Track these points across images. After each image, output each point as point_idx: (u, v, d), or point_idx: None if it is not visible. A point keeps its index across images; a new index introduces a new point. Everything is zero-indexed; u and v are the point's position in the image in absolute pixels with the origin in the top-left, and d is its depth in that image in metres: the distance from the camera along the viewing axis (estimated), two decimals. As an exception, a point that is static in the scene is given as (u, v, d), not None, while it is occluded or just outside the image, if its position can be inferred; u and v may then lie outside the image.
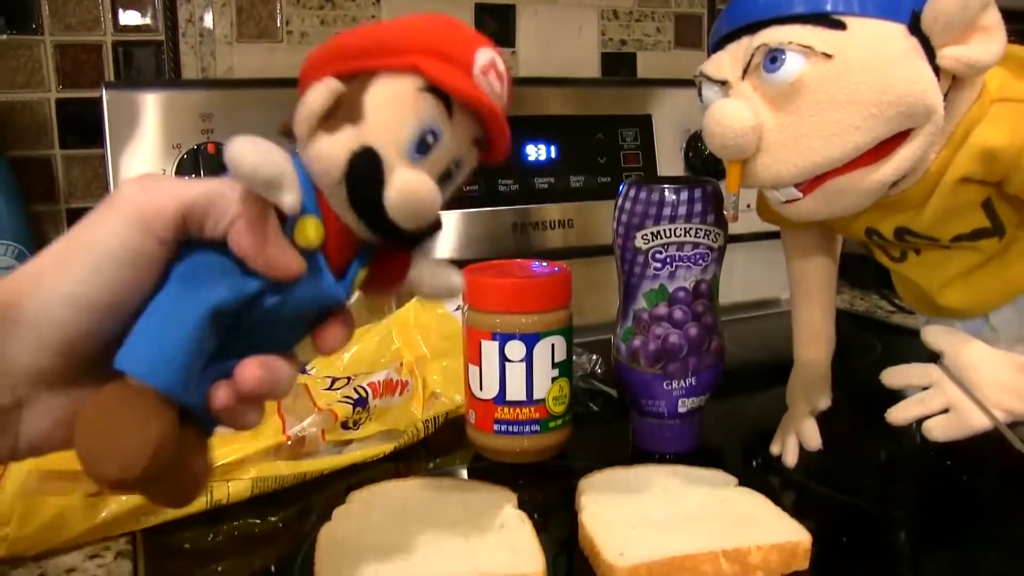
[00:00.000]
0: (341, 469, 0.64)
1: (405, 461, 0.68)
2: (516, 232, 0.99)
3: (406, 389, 0.73)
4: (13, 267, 0.83)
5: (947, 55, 0.48)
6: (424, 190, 0.38)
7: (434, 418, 0.71)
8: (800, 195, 0.52)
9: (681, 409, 0.67)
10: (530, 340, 0.63)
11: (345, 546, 0.51)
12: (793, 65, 0.48)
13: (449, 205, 0.95)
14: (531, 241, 1.00)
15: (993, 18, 0.48)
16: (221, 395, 0.38)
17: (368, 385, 0.69)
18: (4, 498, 0.53)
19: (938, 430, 0.54)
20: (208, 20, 0.98)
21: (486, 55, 0.40)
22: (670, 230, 0.63)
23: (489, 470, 0.65)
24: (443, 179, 0.41)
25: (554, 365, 0.65)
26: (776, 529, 0.52)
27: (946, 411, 0.54)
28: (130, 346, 0.35)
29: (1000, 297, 0.58)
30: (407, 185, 0.38)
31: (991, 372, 0.53)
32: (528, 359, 0.64)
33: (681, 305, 0.64)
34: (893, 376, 0.57)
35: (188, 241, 0.36)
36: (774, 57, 0.49)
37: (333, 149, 0.38)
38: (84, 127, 0.94)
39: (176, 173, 0.85)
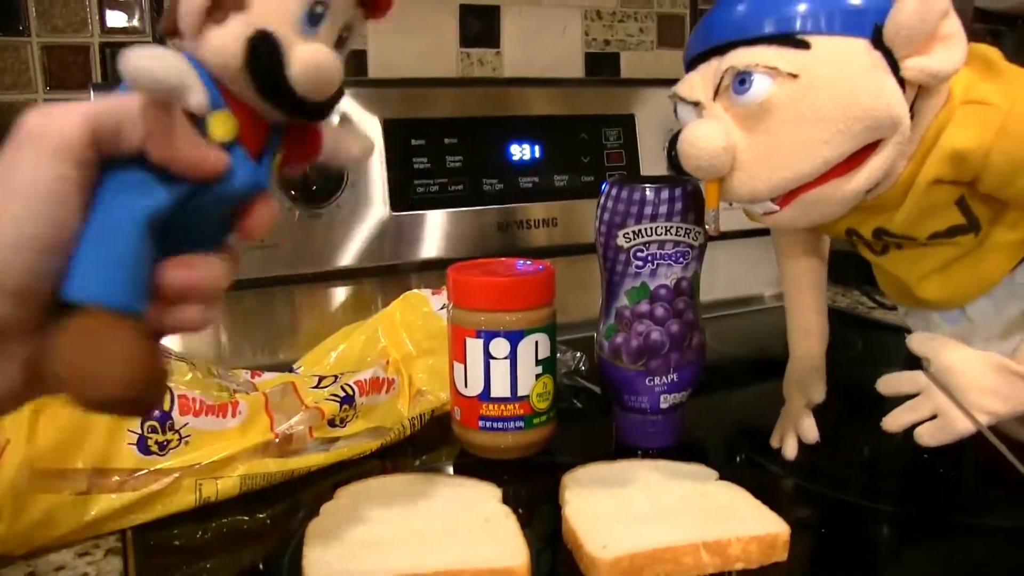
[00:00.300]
0: (328, 466, 0.65)
1: (392, 458, 0.68)
2: (501, 231, 0.99)
3: (392, 387, 0.73)
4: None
5: (910, 67, 0.49)
6: (326, 61, 0.39)
7: (420, 415, 0.72)
8: (777, 208, 0.53)
9: (663, 405, 0.68)
10: (514, 337, 0.64)
11: (332, 540, 0.51)
12: (760, 86, 0.50)
13: (434, 204, 0.96)
14: (516, 240, 1.01)
15: (953, 26, 0.48)
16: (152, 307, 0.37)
17: (355, 383, 0.70)
18: (-5, 496, 0.53)
19: (927, 436, 0.55)
20: (194, 21, 0.98)
21: None
22: (651, 228, 0.64)
23: (474, 466, 0.66)
24: (338, 45, 0.42)
25: (538, 362, 0.66)
26: (756, 521, 0.53)
27: (935, 417, 0.55)
28: (77, 275, 0.34)
29: (976, 289, 0.60)
30: (309, 59, 0.39)
31: (972, 375, 0.54)
32: (512, 356, 0.65)
33: (662, 302, 0.65)
34: (886, 385, 0.59)
35: (110, 161, 0.36)
36: (742, 79, 0.50)
37: (227, 40, 0.38)
38: (71, 129, 0.94)
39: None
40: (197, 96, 0.36)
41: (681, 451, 0.68)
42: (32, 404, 0.55)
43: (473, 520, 0.54)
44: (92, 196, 0.35)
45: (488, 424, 0.66)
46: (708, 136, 0.51)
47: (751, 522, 0.53)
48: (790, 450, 0.66)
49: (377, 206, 0.93)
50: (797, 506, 0.56)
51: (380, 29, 1.06)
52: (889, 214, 0.55)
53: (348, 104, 0.93)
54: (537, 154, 1.02)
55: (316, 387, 0.71)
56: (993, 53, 0.53)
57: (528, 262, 0.70)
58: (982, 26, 1.32)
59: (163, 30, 0.40)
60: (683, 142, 0.52)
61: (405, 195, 0.95)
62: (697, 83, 0.54)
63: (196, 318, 0.39)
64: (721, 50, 0.52)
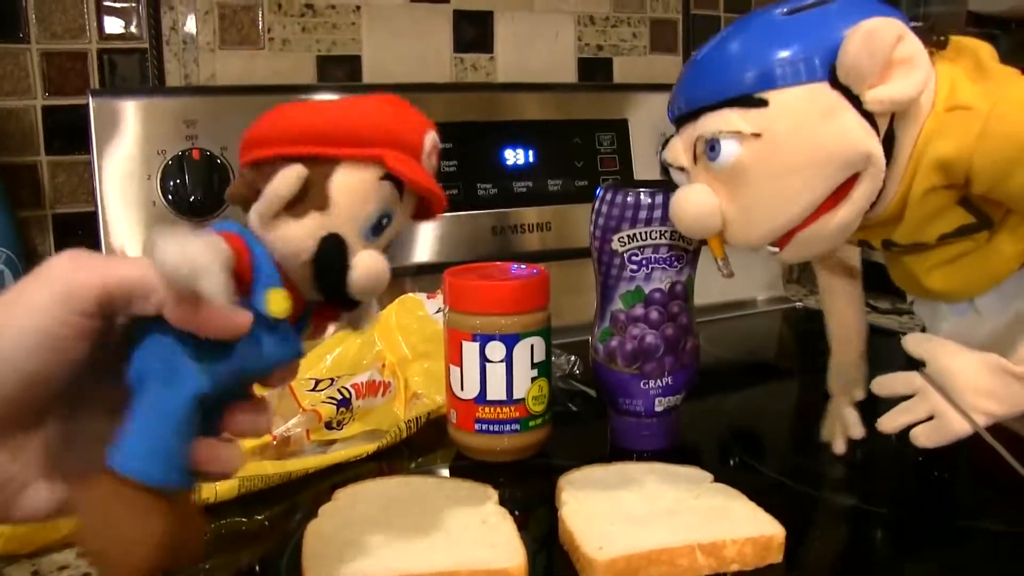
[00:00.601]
0: (326, 468, 0.65)
1: (388, 460, 0.69)
2: (495, 235, 1.00)
3: (388, 390, 0.74)
4: (2, 272, 0.84)
5: (871, 99, 0.49)
6: (383, 269, 0.43)
7: (416, 418, 0.72)
8: (777, 250, 0.55)
9: (658, 408, 0.68)
10: (510, 341, 0.65)
11: (331, 542, 0.52)
12: (729, 150, 0.51)
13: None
14: (510, 244, 1.01)
15: (909, 49, 0.49)
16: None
17: (351, 386, 0.70)
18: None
19: (924, 437, 0.55)
20: (191, 27, 0.99)
21: (431, 139, 0.44)
22: (646, 233, 0.65)
23: (470, 468, 0.67)
24: (386, 248, 0.44)
25: (533, 365, 0.66)
26: (751, 523, 0.53)
27: (931, 418, 0.55)
28: (121, 446, 0.36)
29: (984, 283, 0.58)
30: (370, 268, 0.42)
31: (969, 377, 0.54)
32: (508, 360, 0.65)
33: (657, 306, 0.66)
34: (881, 386, 0.59)
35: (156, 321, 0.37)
36: (711, 145, 0.52)
37: (301, 235, 0.40)
38: (69, 133, 0.95)
39: (161, 178, 0.86)
40: (207, 284, 0.36)
41: (676, 454, 0.69)
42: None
43: (470, 521, 0.55)
44: (101, 344, 0.37)
45: (484, 427, 0.66)
46: (694, 201, 0.54)
47: (746, 524, 0.53)
48: (839, 445, 0.67)
49: (373, 211, 0.94)
50: (792, 508, 0.57)
51: (374, 34, 1.07)
52: (893, 227, 0.56)
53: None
54: (531, 159, 1.03)
55: (313, 390, 0.71)
56: (984, 50, 0.53)
57: (523, 266, 0.70)
58: (976, 30, 1.33)
59: (232, 197, 0.42)
60: (673, 207, 0.56)
61: (400, 200, 0.95)
62: (679, 150, 0.55)
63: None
64: (693, 115, 0.54)
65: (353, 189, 0.41)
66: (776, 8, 0.53)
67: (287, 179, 0.40)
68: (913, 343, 0.58)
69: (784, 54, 0.50)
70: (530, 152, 1.03)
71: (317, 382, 0.72)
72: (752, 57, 0.51)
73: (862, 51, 0.48)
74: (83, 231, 0.95)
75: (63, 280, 0.36)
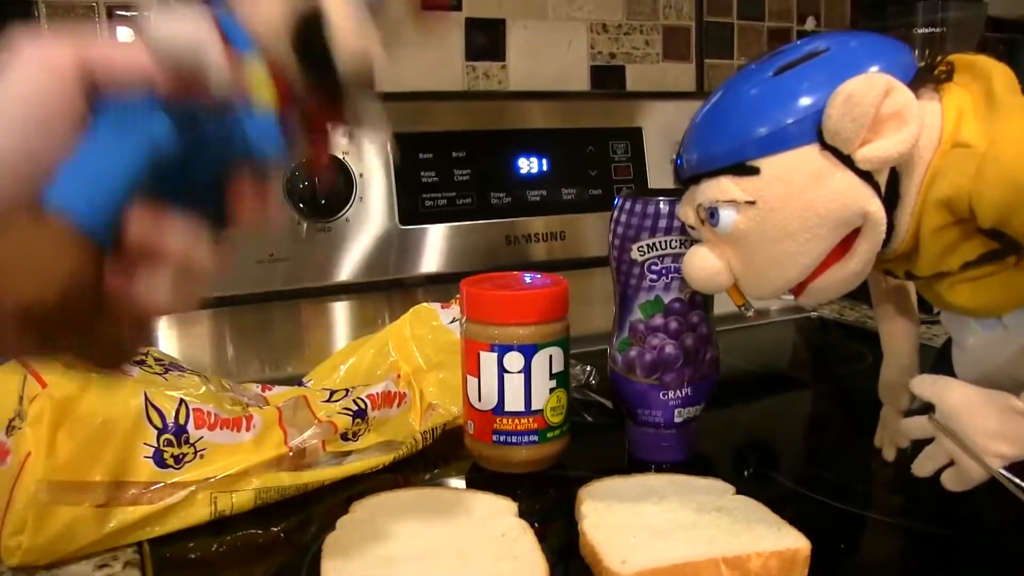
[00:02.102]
0: (341, 480, 0.65)
1: (404, 471, 0.68)
2: (508, 244, 1.00)
3: (404, 401, 0.73)
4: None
5: (862, 159, 0.49)
6: (371, 34, 0.39)
7: (432, 429, 0.72)
8: (793, 297, 0.56)
9: (677, 419, 0.68)
10: (528, 351, 0.64)
11: (350, 555, 0.51)
12: (727, 217, 0.52)
13: (442, 218, 0.96)
14: (523, 253, 1.01)
15: (898, 102, 0.48)
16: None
17: (367, 397, 0.70)
18: (17, 508, 0.53)
19: (950, 483, 0.54)
20: (202, 35, 0.99)
21: None
22: (665, 242, 0.64)
23: (487, 480, 0.66)
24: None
25: (552, 376, 0.65)
26: (775, 536, 0.52)
27: (951, 462, 0.54)
28: (58, 182, 0.33)
29: (1010, 304, 0.56)
30: (354, 28, 0.38)
31: (978, 419, 0.53)
32: (526, 370, 0.65)
33: (676, 316, 0.65)
34: (902, 432, 0.60)
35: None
36: (711, 213, 0.53)
37: (273, 9, 0.37)
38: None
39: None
40: (209, 58, 0.34)
41: (694, 465, 0.68)
42: (52, 417, 0.55)
43: (490, 535, 0.54)
44: (87, 116, 0.34)
45: (502, 438, 0.66)
46: (699, 265, 0.56)
47: (770, 537, 0.52)
48: (888, 454, 0.67)
49: (385, 220, 0.93)
50: (814, 520, 0.56)
51: (386, 42, 1.06)
52: (910, 262, 0.55)
53: (357, 117, 0.93)
54: (544, 167, 1.02)
55: (328, 401, 0.71)
56: (999, 76, 0.51)
57: (540, 275, 0.70)
58: (995, 35, 1.33)
59: None
60: (684, 268, 0.57)
61: (413, 208, 0.95)
62: (689, 213, 0.57)
63: (158, 294, 0.35)
64: (695, 178, 0.55)
65: None
66: (767, 65, 0.53)
67: None
68: (920, 386, 0.56)
69: (773, 122, 0.50)
70: (543, 161, 1.02)
71: (332, 393, 0.72)
72: (743, 126, 0.52)
73: (843, 116, 0.47)
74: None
75: (40, 56, 0.33)
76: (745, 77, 0.54)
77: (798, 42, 0.54)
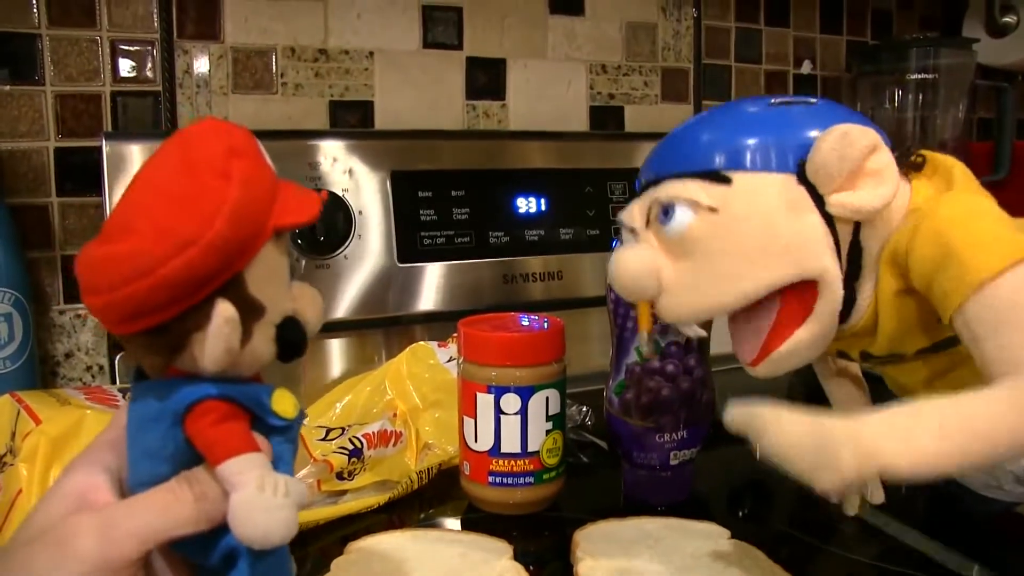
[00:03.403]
0: (336, 520, 0.64)
1: (399, 511, 0.68)
2: (506, 283, 1.00)
3: (400, 440, 0.73)
4: (10, 314, 0.84)
5: (834, 203, 0.49)
6: (319, 298, 0.41)
7: (428, 469, 0.71)
8: (750, 364, 0.53)
9: (673, 462, 0.68)
10: (525, 393, 0.64)
11: (345, 599, 0.51)
12: (682, 218, 0.50)
13: (440, 256, 0.97)
14: (520, 293, 1.01)
15: (881, 161, 0.49)
16: None
17: (363, 436, 0.70)
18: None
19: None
20: (205, 71, 0.99)
21: (258, 150, 0.38)
22: (662, 285, 0.65)
23: (483, 521, 0.66)
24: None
25: (548, 418, 0.66)
26: (769, 583, 0.53)
27: None
28: None
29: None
30: (317, 312, 0.41)
31: (797, 459, 0.46)
32: (523, 412, 0.65)
33: (673, 359, 0.66)
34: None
35: None
36: (666, 210, 0.51)
37: (260, 349, 0.38)
38: (81, 175, 0.94)
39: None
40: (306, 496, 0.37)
41: (690, 507, 0.68)
42: (46, 454, 0.55)
43: (485, 578, 0.54)
44: None
45: (498, 480, 0.66)
46: (633, 261, 0.52)
47: (765, 583, 0.52)
48: (851, 508, 0.66)
49: (383, 257, 0.94)
50: (807, 564, 0.56)
51: (387, 80, 1.08)
52: (869, 339, 0.55)
53: (356, 156, 0.94)
54: (543, 207, 1.03)
55: (324, 439, 0.71)
56: (958, 170, 0.52)
57: (537, 316, 0.70)
58: (985, 83, 1.35)
59: (151, 372, 0.38)
60: (611, 264, 0.53)
61: (412, 246, 0.95)
62: (635, 211, 0.54)
63: None
64: (656, 183, 0.53)
65: (271, 274, 0.38)
66: (758, 100, 0.53)
67: (228, 334, 0.35)
68: (738, 421, 0.51)
69: (756, 140, 0.50)
70: (542, 200, 1.03)
71: (328, 431, 0.72)
72: (724, 138, 0.51)
73: (834, 151, 0.47)
74: (92, 273, 0.95)
75: (99, 557, 0.34)
76: (736, 104, 0.54)
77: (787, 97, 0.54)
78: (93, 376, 0.97)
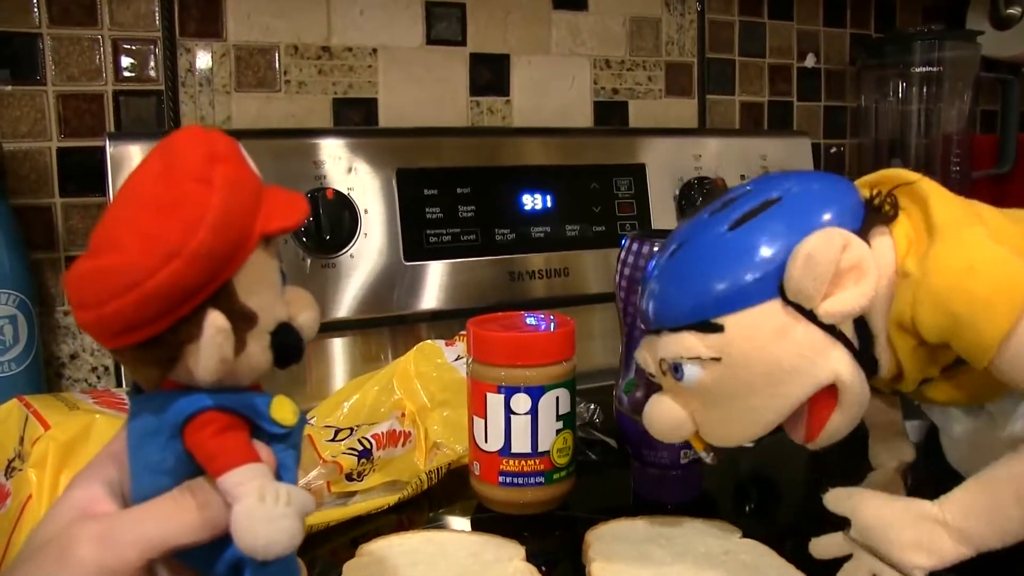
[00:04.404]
0: (346, 521, 0.64)
1: (408, 512, 0.68)
2: (512, 281, 1.00)
3: (408, 440, 0.73)
4: (14, 316, 0.83)
5: (824, 314, 0.49)
6: (313, 302, 0.41)
7: (437, 469, 0.71)
8: (805, 443, 0.55)
9: (683, 460, 0.67)
10: (535, 393, 0.64)
11: (358, 602, 0.51)
12: (691, 374, 0.51)
13: (446, 254, 0.96)
14: (527, 289, 1.01)
15: (855, 255, 0.49)
16: None
17: (372, 436, 0.69)
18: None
19: None
20: (207, 69, 0.99)
21: (245, 159, 0.38)
22: (672, 283, 0.64)
23: (493, 521, 0.66)
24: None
25: (559, 417, 0.65)
26: (783, 581, 0.52)
27: None
28: None
29: (988, 395, 0.58)
30: (312, 317, 0.40)
31: (893, 532, 0.52)
32: (533, 412, 0.64)
33: (683, 357, 0.65)
34: (818, 549, 0.57)
35: None
36: (675, 367, 0.52)
37: (256, 358, 0.37)
38: (84, 175, 0.94)
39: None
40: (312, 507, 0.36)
41: (700, 506, 0.68)
42: (55, 460, 0.55)
43: (498, 579, 0.54)
44: None
45: (508, 480, 0.65)
46: (667, 414, 0.54)
47: (779, 582, 0.52)
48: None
49: (389, 256, 0.93)
50: (820, 564, 0.56)
51: (390, 77, 1.07)
52: (897, 382, 0.56)
53: (360, 154, 0.94)
54: (548, 204, 1.02)
55: (332, 440, 0.70)
56: (933, 197, 0.52)
57: (547, 315, 0.70)
58: (989, 75, 1.34)
59: (146, 385, 0.38)
60: (645, 419, 0.56)
61: (418, 245, 0.95)
62: (649, 360, 0.55)
63: None
64: (656, 331, 0.54)
65: (261, 281, 0.37)
66: (721, 217, 0.52)
67: (220, 344, 0.35)
68: (835, 501, 0.56)
69: (733, 279, 0.50)
70: (547, 197, 1.02)
71: (337, 431, 0.71)
72: (703, 284, 0.51)
73: (805, 276, 0.48)
74: (97, 273, 0.94)
75: (94, 567, 0.34)
76: (701, 230, 0.53)
77: (747, 186, 0.54)
78: (99, 377, 0.96)
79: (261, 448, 0.37)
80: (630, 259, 0.66)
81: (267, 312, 0.37)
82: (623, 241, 0.67)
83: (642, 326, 0.56)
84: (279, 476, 0.37)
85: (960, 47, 1.29)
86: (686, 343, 0.51)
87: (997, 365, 0.48)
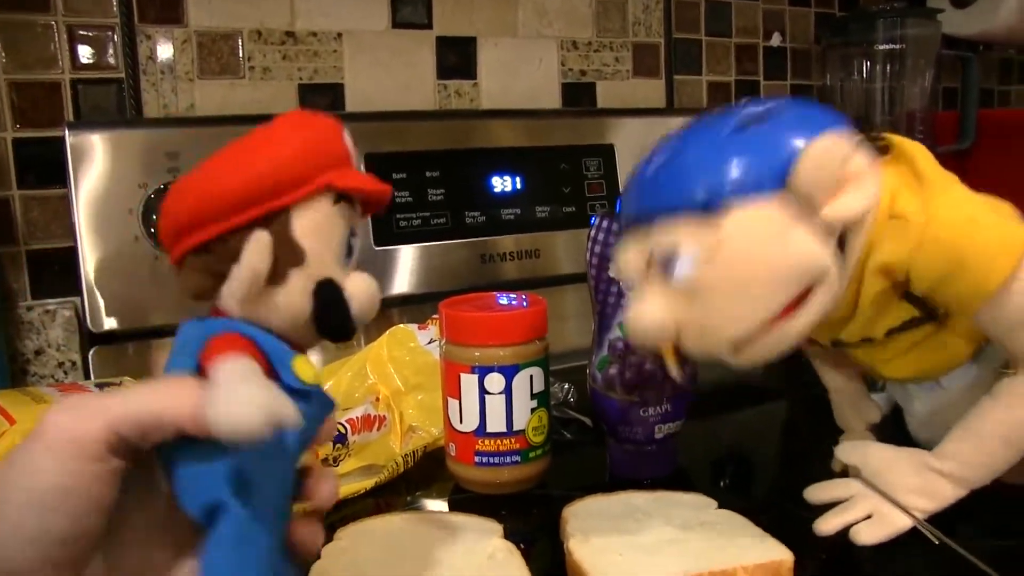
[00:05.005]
0: (322, 506, 0.64)
1: (385, 496, 0.68)
2: (483, 263, 0.99)
3: (384, 424, 0.73)
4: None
5: (826, 216, 0.49)
6: (375, 288, 0.42)
7: (413, 452, 0.71)
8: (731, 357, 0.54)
9: (657, 435, 0.68)
10: (509, 372, 0.64)
11: (336, 584, 0.51)
12: (684, 267, 0.50)
13: (417, 238, 0.96)
14: (498, 271, 1.01)
15: (859, 164, 0.49)
16: None
17: (347, 421, 0.69)
18: None
19: (866, 535, 0.56)
20: (169, 57, 0.98)
21: (347, 136, 0.42)
22: (643, 259, 0.64)
23: (470, 501, 0.66)
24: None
25: (533, 396, 0.65)
26: (759, 549, 0.53)
27: (869, 516, 0.57)
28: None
29: (943, 368, 0.61)
30: (366, 293, 0.41)
31: (899, 478, 0.58)
32: (508, 391, 0.64)
33: (656, 333, 0.65)
34: (817, 493, 0.61)
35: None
36: (667, 260, 0.50)
37: (294, 299, 0.38)
38: (42, 166, 0.93)
39: (143, 212, 0.85)
40: (292, 418, 0.35)
41: (675, 480, 0.68)
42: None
43: (478, 558, 0.54)
44: (125, 476, 0.35)
45: (484, 459, 0.65)
46: (648, 314, 0.52)
47: (755, 550, 0.52)
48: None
49: (360, 241, 0.93)
50: (793, 531, 0.56)
51: (356, 62, 1.06)
52: (842, 327, 0.57)
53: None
54: (518, 186, 1.02)
55: (307, 425, 0.70)
56: (920, 155, 0.54)
57: (519, 296, 0.70)
58: (950, 53, 1.36)
59: (194, 293, 0.38)
60: (628, 323, 0.54)
61: (388, 229, 0.95)
62: (631, 259, 0.54)
63: None
64: (646, 223, 0.52)
65: (319, 229, 0.39)
66: (725, 122, 0.51)
67: (258, 254, 0.37)
68: (845, 453, 0.62)
69: (739, 169, 0.49)
70: (517, 179, 1.02)
71: (310, 416, 0.71)
72: (706, 172, 0.50)
73: (814, 172, 0.48)
74: (59, 267, 0.93)
75: (64, 435, 0.34)
76: (705, 129, 0.52)
77: (748, 103, 0.53)
78: (65, 372, 0.95)
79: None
80: (600, 236, 0.66)
81: (318, 261, 0.39)
82: (593, 219, 0.67)
83: (625, 221, 0.54)
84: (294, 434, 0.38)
85: (921, 25, 1.31)
86: (683, 233, 0.50)
87: (986, 313, 0.53)
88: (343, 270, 0.40)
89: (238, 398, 0.33)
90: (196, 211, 0.37)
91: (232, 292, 0.37)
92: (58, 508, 0.33)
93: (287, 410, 0.35)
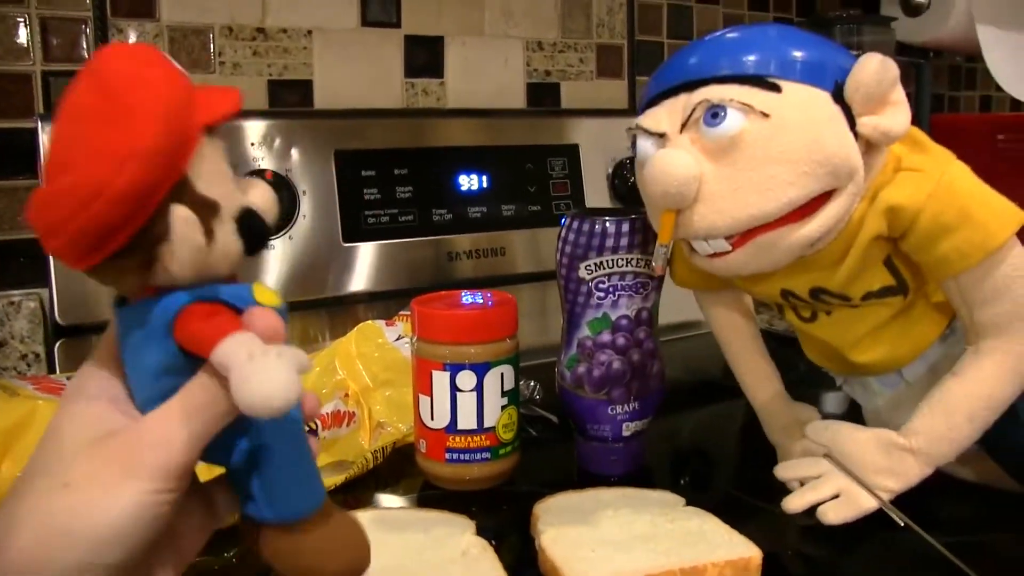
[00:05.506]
0: (294, 501, 0.64)
1: (355, 492, 0.68)
2: (450, 261, 1.00)
3: (353, 420, 0.73)
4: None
5: (866, 123, 0.52)
6: (271, 191, 0.41)
7: (382, 448, 0.72)
8: (730, 248, 0.55)
9: (625, 433, 0.69)
10: (480, 370, 0.65)
11: (313, 579, 0.51)
12: (733, 121, 0.52)
13: (385, 235, 0.96)
14: (465, 269, 1.02)
15: (900, 95, 0.53)
16: None
17: (316, 417, 0.69)
18: None
19: (832, 514, 0.59)
20: (137, 50, 0.97)
21: (174, 61, 0.39)
22: (612, 260, 0.66)
23: (440, 498, 0.67)
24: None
25: (504, 393, 0.66)
26: (728, 546, 0.54)
27: (836, 496, 0.59)
28: (279, 497, 0.40)
29: (909, 352, 0.63)
30: (272, 203, 0.40)
31: (866, 458, 0.59)
32: (479, 388, 0.65)
33: (624, 332, 0.67)
34: (786, 470, 0.64)
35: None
36: (715, 113, 0.52)
37: (228, 243, 0.38)
38: (12, 157, 0.92)
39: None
40: (306, 366, 0.36)
41: (643, 477, 0.70)
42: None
43: (451, 554, 0.54)
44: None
45: (455, 456, 0.66)
46: (679, 162, 0.52)
47: (723, 546, 0.54)
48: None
49: (328, 237, 0.93)
50: (760, 527, 0.58)
51: (326, 59, 1.07)
52: (828, 271, 0.58)
53: (297, 135, 0.93)
54: (484, 184, 1.03)
55: (277, 421, 0.70)
56: (918, 133, 0.57)
57: (490, 293, 0.71)
58: (904, 59, 1.39)
59: (132, 292, 0.38)
60: (653, 167, 0.53)
61: (356, 226, 0.95)
62: (663, 116, 0.55)
63: None
64: (690, 87, 0.54)
65: (213, 171, 0.37)
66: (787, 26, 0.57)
67: (189, 230, 0.36)
68: (815, 432, 0.63)
69: (803, 54, 0.53)
70: (483, 178, 1.03)
71: (281, 413, 0.71)
72: (772, 47, 0.54)
73: (875, 75, 0.51)
74: (25, 258, 0.93)
75: (143, 461, 0.35)
76: (770, 24, 0.57)
77: None
78: (29, 365, 0.94)
79: (263, 312, 0.37)
80: (571, 237, 0.67)
81: (227, 199, 0.38)
82: (563, 220, 0.68)
83: (667, 81, 0.56)
84: None
85: (877, 32, 1.33)
86: (740, 90, 0.52)
87: (969, 276, 0.55)
88: (238, 187, 0.40)
89: (262, 383, 0.34)
90: (103, 220, 0.34)
91: (174, 270, 0.36)
92: (123, 541, 0.34)
93: (303, 360, 0.35)
